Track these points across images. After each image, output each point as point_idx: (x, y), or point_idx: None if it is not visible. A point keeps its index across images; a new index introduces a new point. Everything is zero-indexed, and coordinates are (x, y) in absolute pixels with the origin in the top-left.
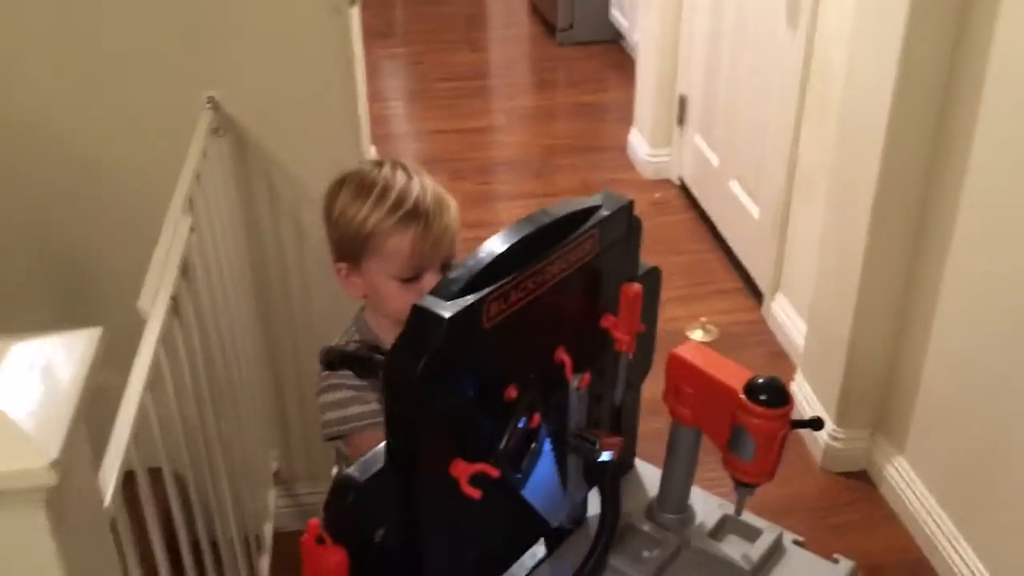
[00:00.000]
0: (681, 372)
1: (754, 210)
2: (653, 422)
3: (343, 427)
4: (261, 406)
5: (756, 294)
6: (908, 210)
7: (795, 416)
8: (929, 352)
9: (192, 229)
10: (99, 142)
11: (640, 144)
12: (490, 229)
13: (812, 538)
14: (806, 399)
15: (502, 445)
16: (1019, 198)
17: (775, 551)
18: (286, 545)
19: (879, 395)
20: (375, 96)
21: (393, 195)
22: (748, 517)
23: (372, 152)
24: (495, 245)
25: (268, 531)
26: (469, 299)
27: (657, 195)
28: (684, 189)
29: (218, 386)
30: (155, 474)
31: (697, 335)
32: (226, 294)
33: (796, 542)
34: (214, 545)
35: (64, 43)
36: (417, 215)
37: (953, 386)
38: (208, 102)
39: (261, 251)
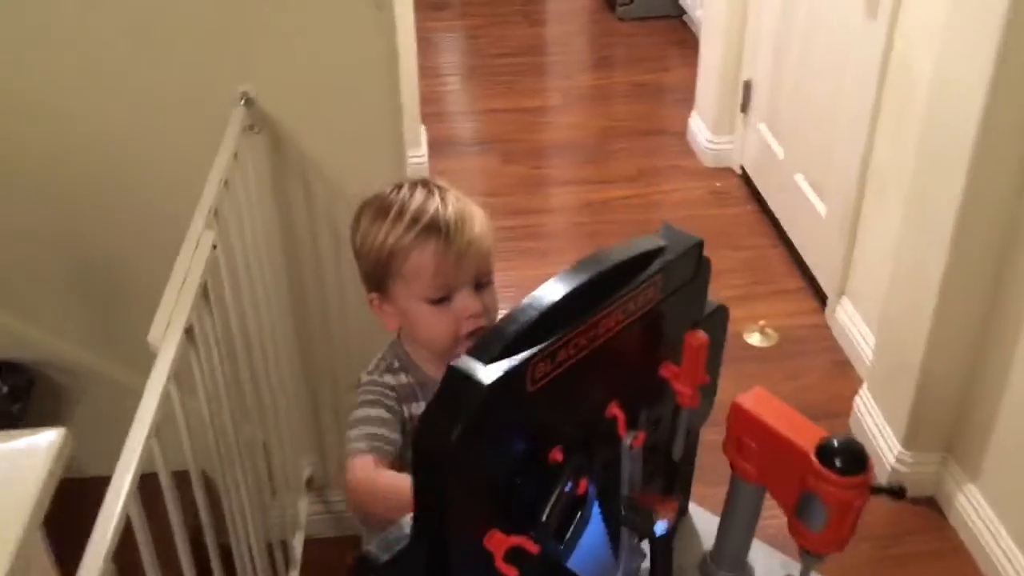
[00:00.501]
0: (744, 425)
1: (821, 207)
2: (709, 434)
3: (348, 446)
4: (294, 411)
5: (820, 296)
6: (994, 228)
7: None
8: (1010, 378)
9: (215, 245)
10: (128, 138)
11: (701, 130)
12: (540, 216)
13: (875, 570)
14: (872, 416)
15: (544, 516)
16: None
17: None
18: (317, 552)
19: (952, 418)
20: (429, 72)
21: (410, 213)
22: None
23: (422, 133)
24: (546, 296)
25: (299, 541)
26: (512, 361)
27: (717, 184)
28: (746, 179)
29: (244, 397)
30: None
31: (755, 339)
32: (256, 301)
33: None
34: (239, 558)
35: (89, 36)
36: (436, 228)
37: None
38: (241, 97)
39: (296, 252)
